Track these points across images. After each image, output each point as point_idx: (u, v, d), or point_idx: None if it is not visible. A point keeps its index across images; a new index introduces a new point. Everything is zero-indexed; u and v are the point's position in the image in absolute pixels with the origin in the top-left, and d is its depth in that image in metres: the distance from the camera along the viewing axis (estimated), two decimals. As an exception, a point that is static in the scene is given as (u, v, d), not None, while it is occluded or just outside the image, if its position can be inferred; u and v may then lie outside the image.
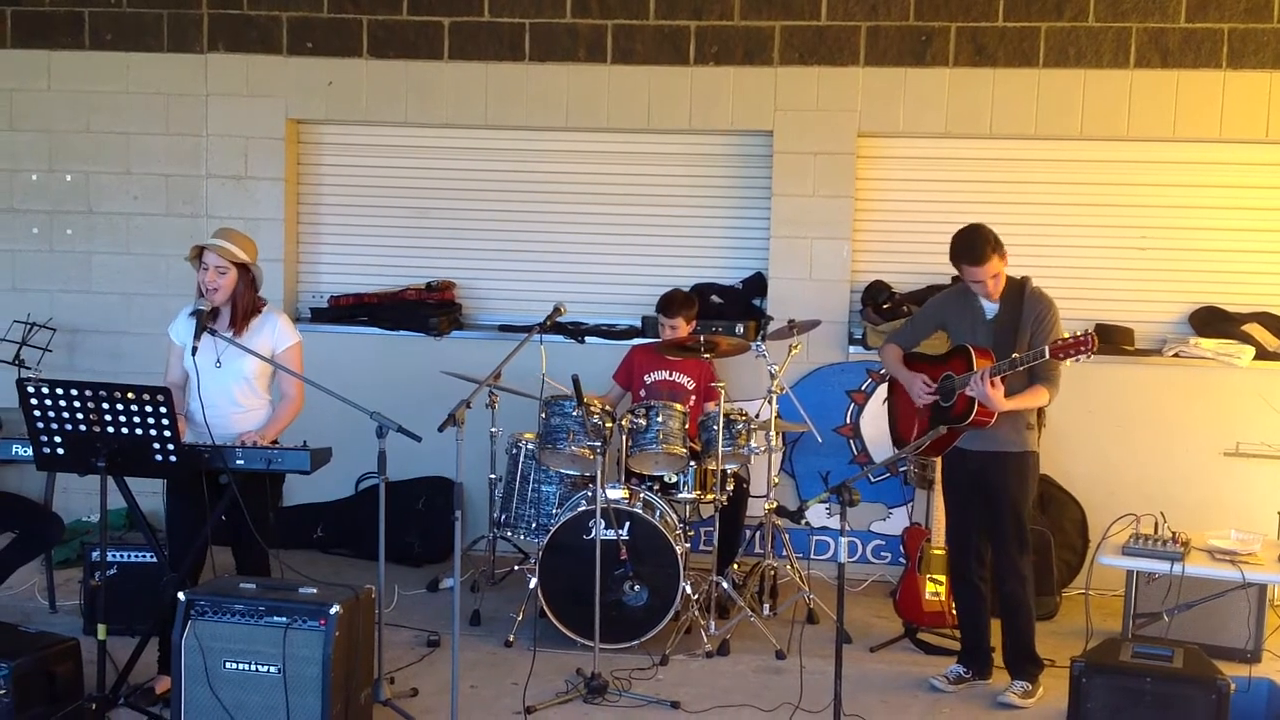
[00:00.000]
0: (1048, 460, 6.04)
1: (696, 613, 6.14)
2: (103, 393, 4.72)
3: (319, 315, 7.91)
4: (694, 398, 6.80)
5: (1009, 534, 5.49)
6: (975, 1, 7.26)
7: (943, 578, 6.12)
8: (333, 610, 4.60)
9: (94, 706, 4.83)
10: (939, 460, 6.03)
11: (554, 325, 6.14)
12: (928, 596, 6.18)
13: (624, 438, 6.26)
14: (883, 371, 7.10)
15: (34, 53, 7.84)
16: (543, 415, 6.26)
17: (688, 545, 6.31)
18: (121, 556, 6.05)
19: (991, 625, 5.73)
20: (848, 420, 7.48)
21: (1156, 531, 5.73)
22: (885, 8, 7.30)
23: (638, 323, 7.66)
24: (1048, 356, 5.19)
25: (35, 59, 7.85)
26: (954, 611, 5.97)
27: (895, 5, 7.30)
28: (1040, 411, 5.72)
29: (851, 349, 7.44)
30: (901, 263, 7.48)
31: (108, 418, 4.75)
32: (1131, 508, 5.88)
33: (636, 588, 5.97)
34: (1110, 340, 7.18)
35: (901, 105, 7.34)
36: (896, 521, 7.38)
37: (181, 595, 4.68)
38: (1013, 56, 7.27)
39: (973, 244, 5.39)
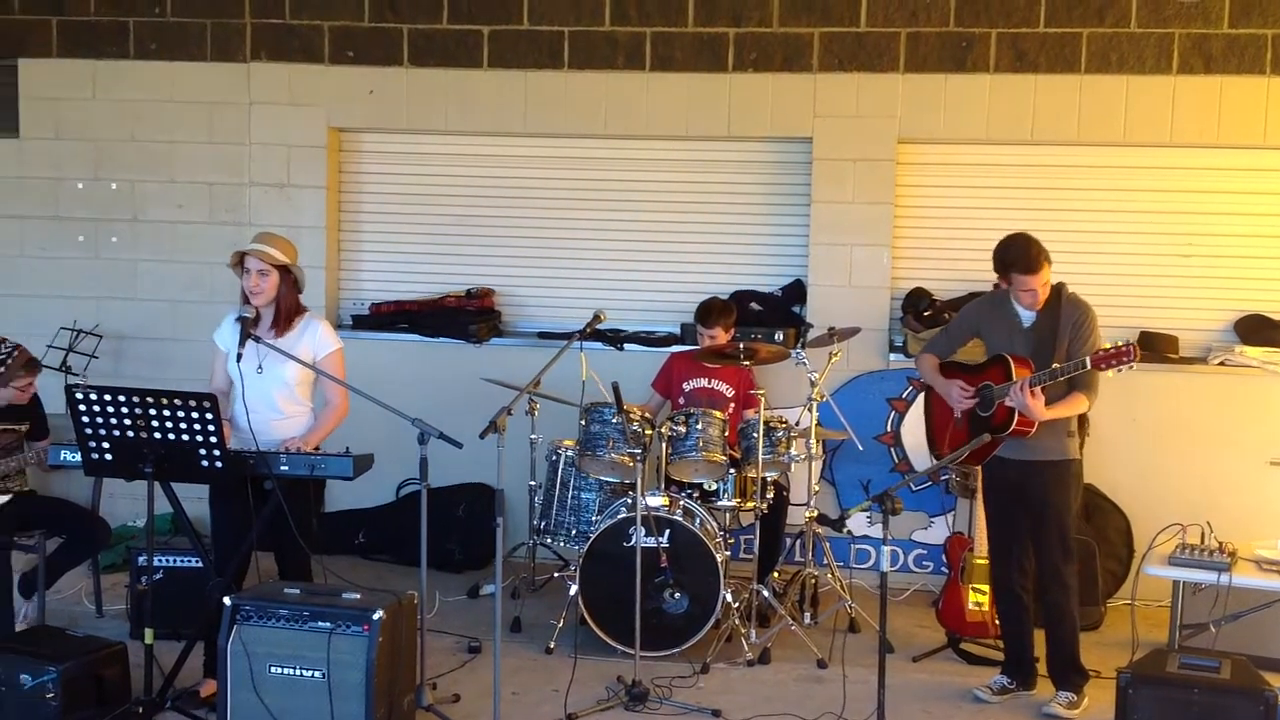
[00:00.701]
0: (1091, 469, 6.00)
1: (737, 621, 6.13)
2: (150, 399, 4.77)
3: (360, 322, 7.96)
4: (733, 405, 6.79)
5: (1052, 543, 5.45)
6: (1016, 7, 7.23)
7: (986, 587, 6.09)
8: (376, 616, 4.62)
9: (141, 710, 4.89)
10: (980, 469, 5.99)
11: (593, 332, 6.17)
12: (970, 606, 6.15)
13: (664, 445, 6.26)
14: (921, 376, 7.07)
15: (80, 62, 7.93)
16: (582, 422, 6.28)
17: (728, 553, 6.30)
18: (167, 561, 6.10)
19: (1035, 636, 5.69)
20: (888, 428, 7.45)
21: (1203, 541, 5.68)
22: (925, 14, 7.28)
23: (676, 329, 7.66)
24: (1089, 367, 5.15)
25: (81, 68, 7.94)
26: (997, 621, 5.93)
27: (935, 11, 7.28)
28: (1083, 420, 5.68)
29: (892, 356, 7.41)
30: (942, 269, 7.45)
31: (154, 424, 4.80)
32: (1176, 517, 5.83)
33: (677, 595, 5.96)
34: (1154, 348, 7.11)
35: (942, 111, 7.32)
36: (938, 530, 7.34)
37: (227, 600, 4.72)
38: (1054, 62, 7.23)
39: (1026, 253, 5.34)
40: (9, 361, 5.91)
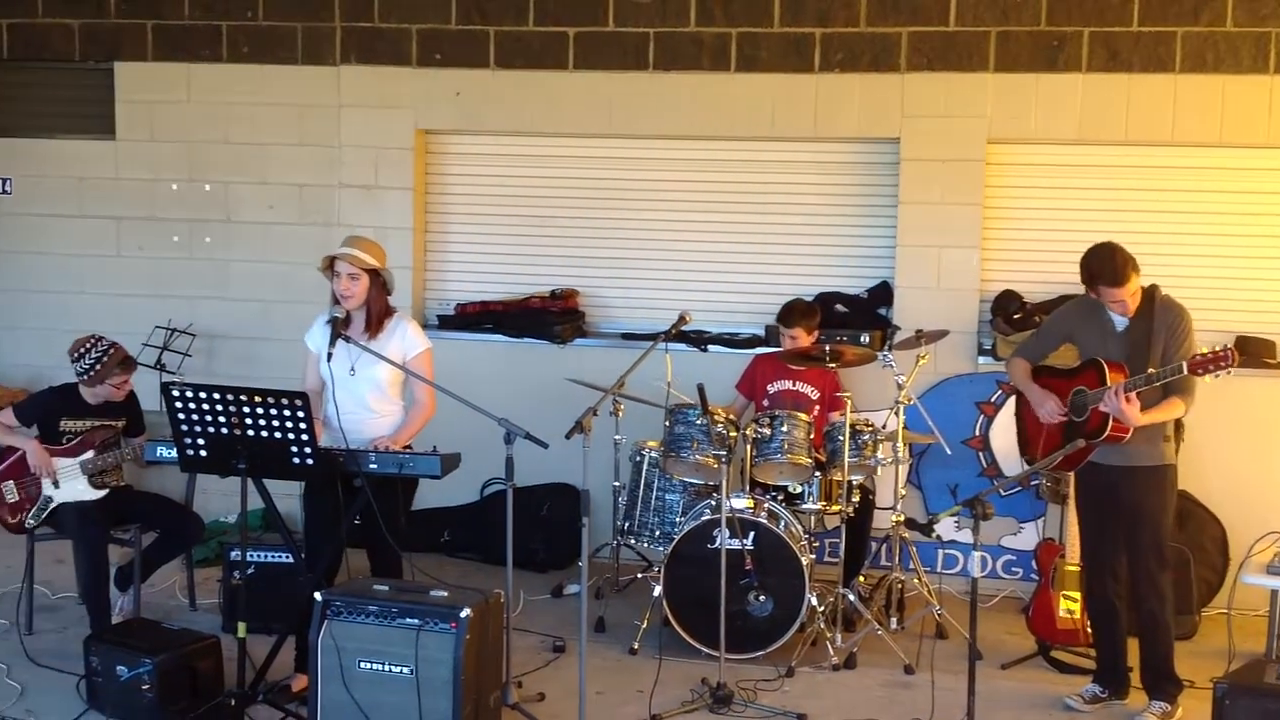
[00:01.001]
0: (1186, 476, 5.87)
1: (822, 625, 6.09)
2: (243, 397, 4.84)
3: (446, 323, 8.03)
4: (818, 407, 6.75)
5: (1147, 550, 5.35)
6: (1109, 6, 7.11)
7: (1077, 594, 5.99)
8: (464, 614, 4.65)
9: (233, 702, 4.95)
10: (1073, 475, 5.90)
11: (677, 334, 6.16)
12: (1061, 614, 6.05)
13: (748, 447, 6.24)
14: (1011, 381, 6.98)
15: (174, 65, 8.09)
16: (667, 424, 6.27)
17: (813, 556, 6.26)
18: (259, 557, 6.18)
19: (1129, 644, 5.59)
20: (976, 432, 7.36)
21: (1302, 550, 5.55)
22: (1016, 13, 7.18)
23: (761, 332, 7.62)
24: (1186, 372, 5.05)
25: (175, 71, 8.09)
26: (1089, 629, 5.84)
27: (1026, 10, 7.18)
28: (1178, 424, 5.57)
29: (981, 359, 7.32)
30: (1033, 272, 7.33)
31: (248, 421, 4.87)
32: (1273, 525, 5.72)
33: (761, 598, 5.94)
34: (1250, 353, 6.94)
35: (1033, 111, 7.21)
36: (1028, 536, 7.24)
37: (318, 595, 4.77)
38: (1148, 62, 7.09)
39: (1111, 263, 5.24)
40: (105, 359, 6.04)
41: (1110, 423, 5.22)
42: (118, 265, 8.27)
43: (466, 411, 5.07)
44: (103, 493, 6.08)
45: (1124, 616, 5.55)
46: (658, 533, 6.58)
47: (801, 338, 6.71)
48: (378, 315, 5.36)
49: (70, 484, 6.02)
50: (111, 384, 6.08)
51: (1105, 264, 5.25)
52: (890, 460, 6.41)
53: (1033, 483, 6.98)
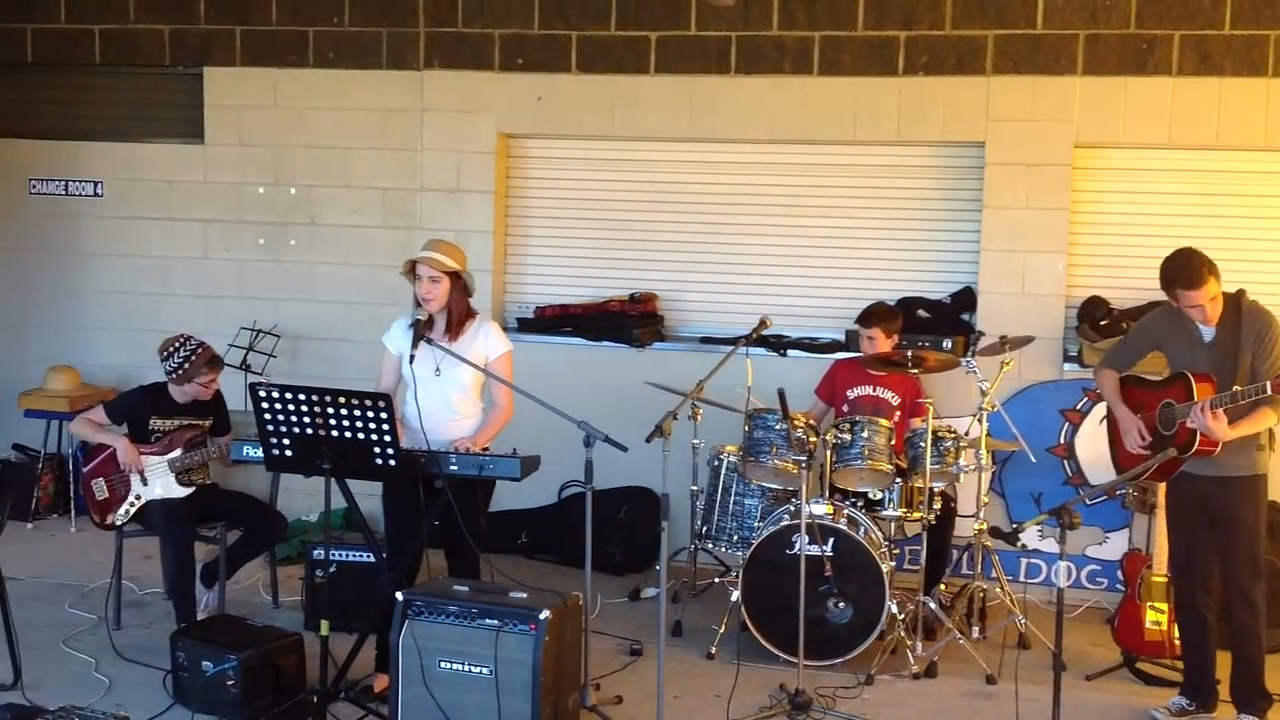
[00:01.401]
0: (1275, 485, 5.74)
1: (902, 633, 6.03)
2: (328, 398, 4.88)
3: (525, 325, 8.06)
4: (899, 413, 6.69)
5: (1240, 561, 5.24)
6: (1200, 8, 6.97)
7: (1164, 606, 5.88)
8: (543, 615, 4.65)
9: (315, 700, 4.99)
10: (1163, 485, 5.79)
11: (757, 338, 6.13)
12: (1148, 625, 5.94)
13: (828, 452, 6.20)
14: (1099, 390, 6.87)
15: (262, 71, 8.21)
16: (746, 428, 6.25)
17: (893, 563, 6.20)
18: (341, 556, 6.24)
19: (1217, 657, 5.48)
20: (1061, 440, 7.25)
21: (1398, 564, 5.40)
22: (1105, 15, 7.07)
23: (841, 336, 7.57)
24: (1270, 392, 4.97)
25: (263, 77, 8.21)
26: (1176, 641, 5.73)
27: (1115, 12, 7.06)
28: (1271, 433, 5.45)
29: (1066, 366, 7.21)
30: (1120, 278, 7.21)
31: (332, 422, 4.91)
32: (1370, 538, 5.58)
33: (841, 605, 5.89)
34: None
35: (1121, 115, 7.10)
36: (1114, 546, 7.11)
37: (399, 595, 4.81)
38: (1240, 65, 6.95)
39: (1187, 267, 5.16)
40: (193, 358, 6.15)
41: (1198, 437, 5.13)
42: (205, 267, 8.41)
43: (543, 414, 5.08)
44: (189, 490, 6.17)
45: (1214, 629, 5.44)
46: (735, 537, 6.55)
47: (880, 340, 6.65)
48: (458, 318, 5.39)
49: (158, 481, 6.12)
50: (199, 383, 6.18)
51: (1180, 267, 5.19)
52: (973, 467, 6.33)
53: (1119, 492, 6.86)
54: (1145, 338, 5.64)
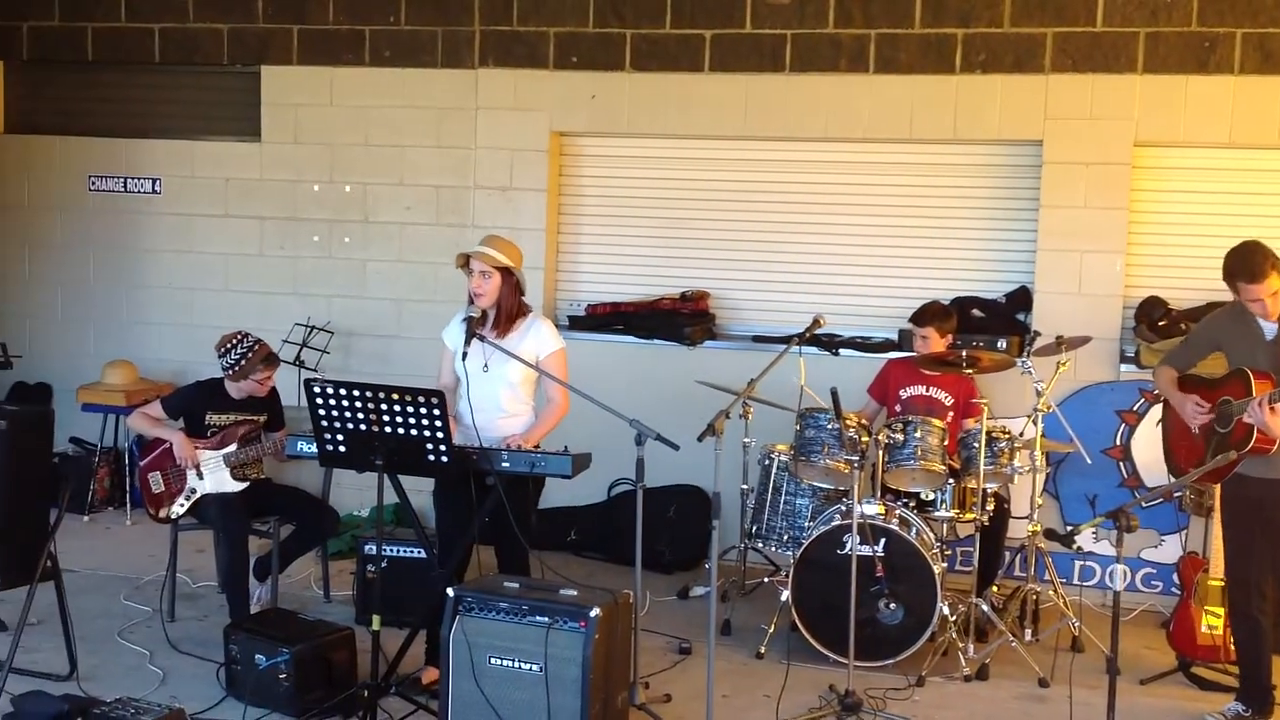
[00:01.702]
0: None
1: (954, 635, 5.98)
2: (382, 394, 4.91)
3: (576, 323, 8.07)
4: (952, 414, 6.63)
5: (1297, 567, 5.17)
6: (1263, 7, 6.87)
7: (1220, 610, 5.79)
8: (593, 613, 4.65)
9: (366, 693, 5.01)
10: (1218, 487, 5.71)
11: (810, 337, 6.10)
12: (1203, 629, 5.85)
13: (880, 452, 6.15)
14: (1155, 392, 6.78)
15: (318, 69, 8.27)
16: (798, 427, 6.22)
17: (944, 565, 6.15)
18: (391, 551, 6.27)
19: (1273, 662, 5.40)
20: (1117, 441, 7.16)
21: None
22: (1166, 13, 6.98)
23: (894, 336, 7.52)
24: None
25: (319, 75, 8.27)
26: (1232, 646, 5.64)
27: (1177, 10, 6.97)
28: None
29: (1123, 367, 7.13)
30: (1179, 278, 7.13)
31: (385, 418, 4.94)
32: None
33: (892, 606, 5.85)
34: None
35: (1182, 114, 7.00)
36: (1169, 549, 7.03)
37: (450, 591, 4.82)
38: (1303, 64, 6.86)
39: (1249, 259, 5.12)
40: (250, 355, 6.20)
41: (1255, 434, 5.06)
42: (260, 264, 8.48)
43: (592, 411, 5.08)
44: (244, 485, 6.22)
45: (1269, 634, 5.36)
46: (785, 537, 6.53)
47: (934, 339, 6.61)
48: (508, 314, 5.39)
49: (213, 476, 6.18)
50: (255, 379, 6.24)
51: (1243, 260, 5.15)
52: (1027, 469, 6.27)
53: (1175, 495, 6.77)
54: (1207, 338, 5.58)
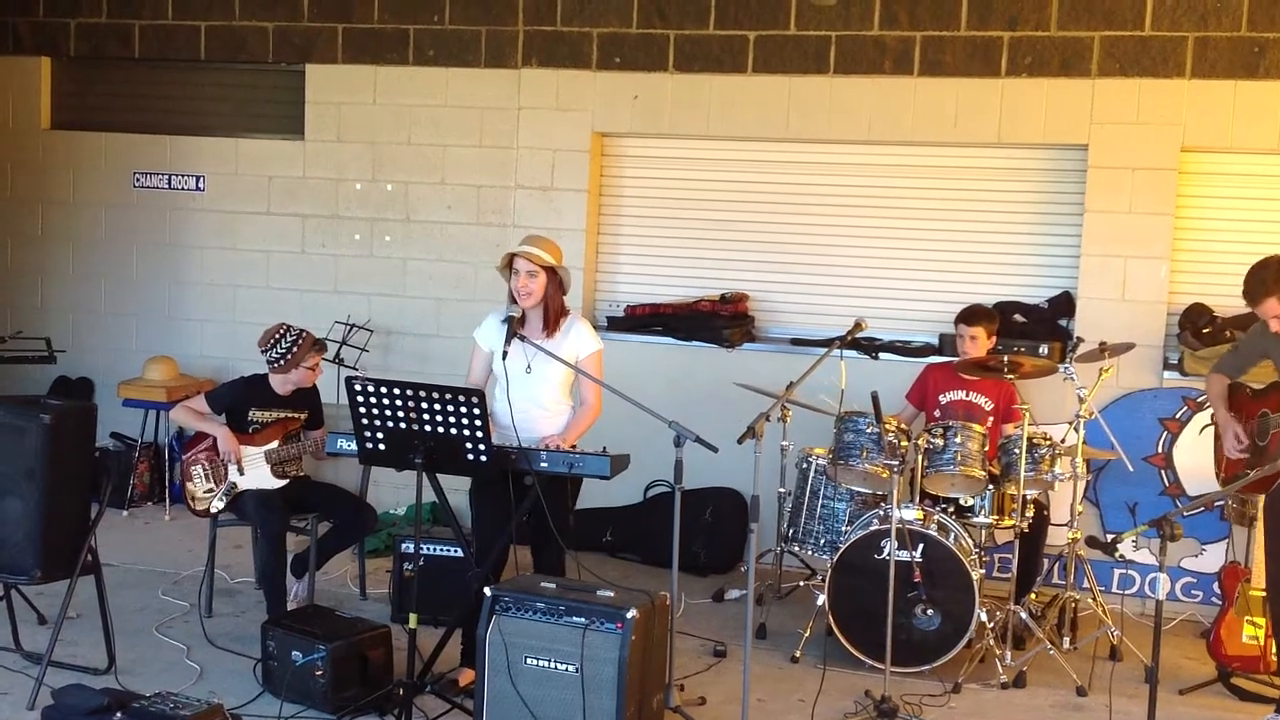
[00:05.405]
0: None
1: (991, 641, 5.93)
2: (423, 392, 4.92)
3: (615, 324, 8.07)
4: (992, 419, 6.58)
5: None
6: (1315, 10, 6.80)
7: (1262, 620, 5.73)
8: (630, 614, 4.64)
9: (402, 692, 5.02)
10: (1261, 496, 5.64)
11: (851, 340, 6.07)
12: (1245, 640, 5.79)
13: (919, 457, 6.12)
14: (1200, 400, 6.72)
15: (362, 68, 8.30)
16: (836, 431, 6.19)
17: (983, 571, 6.11)
18: (428, 549, 6.26)
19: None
20: (1159, 449, 7.09)
21: None
22: (1215, 17, 6.90)
23: (934, 340, 7.48)
24: None
25: (363, 74, 8.31)
26: (1273, 657, 5.58)
27: (1226, 15, 6.89)
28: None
29: (1166, 374, 7.06)
30: (1224, 285, 6.94)
31: (425, 416, 4.95)
32: None
33: (929, 612, 5.82)
34: None
35: (1230, 119, 6.93)
36: (1210, 558, 6.95)
37: (487, 590, 4.82)
38: (1357, 68, 6.77)
39: (1253, 278, 5.21)
40: (299, 344, 6.25)
41: (1291, 447, 5.02)
42: (302, 262, 8.53)
43: (630, 412, 5.06)
44: (283, 482, 6.26)
45: (1313, 647, 5.30)
46: (822, 541, 6.50)
47: (981, 339, 6.59)
48: (555, 314, 5.39)
49: (254, 472, 6.22)
50: (306, 366, 6.29)
51: (1251, 278, 5.21)
52: (1068, 475, 6.21)
53: (1217, 504, 6.70)
54: (1255, 345, 5.57)
